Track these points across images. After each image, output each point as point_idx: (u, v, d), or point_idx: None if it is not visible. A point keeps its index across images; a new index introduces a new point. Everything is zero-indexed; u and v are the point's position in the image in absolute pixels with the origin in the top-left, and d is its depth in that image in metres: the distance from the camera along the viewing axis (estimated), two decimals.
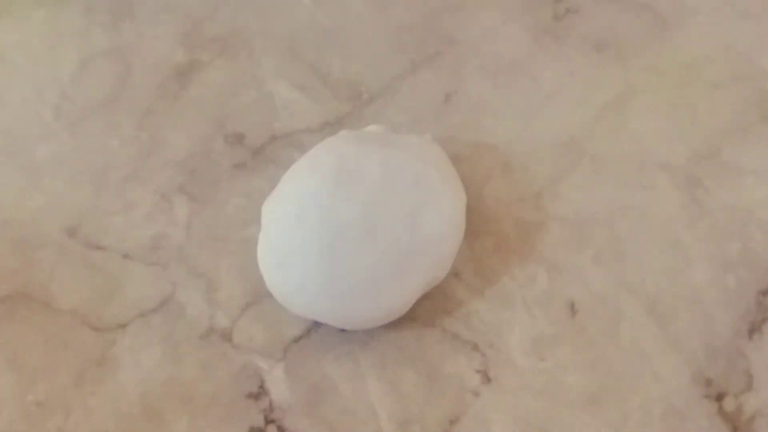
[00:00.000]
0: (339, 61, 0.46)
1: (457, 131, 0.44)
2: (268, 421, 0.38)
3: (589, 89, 0.45)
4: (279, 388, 0.38)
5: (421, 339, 0.39)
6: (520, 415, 0.37)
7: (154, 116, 0.46)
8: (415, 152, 0.40)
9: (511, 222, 0.41)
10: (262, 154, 0.44)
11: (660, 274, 0.40)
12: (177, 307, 0.40)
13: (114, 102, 0.46)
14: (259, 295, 0.40)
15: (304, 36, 0.48)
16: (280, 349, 0.39)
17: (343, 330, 0.39)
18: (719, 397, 0.37)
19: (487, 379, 0.38)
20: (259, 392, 0.38)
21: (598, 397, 0.37)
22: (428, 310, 0.39)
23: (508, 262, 0.40)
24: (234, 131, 0.45)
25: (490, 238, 0.41)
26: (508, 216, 0.42)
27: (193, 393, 0.38)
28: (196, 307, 0.40)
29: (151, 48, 0.48)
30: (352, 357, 0.39)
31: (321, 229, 0.37)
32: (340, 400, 0.38)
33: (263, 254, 0.39)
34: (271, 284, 0.39)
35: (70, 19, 0.50)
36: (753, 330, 0.38)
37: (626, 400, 0.37)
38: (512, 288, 0.40)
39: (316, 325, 0.39)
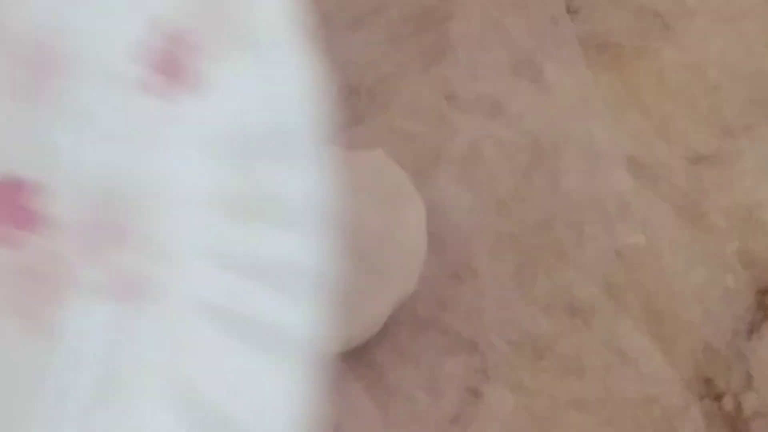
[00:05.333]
0: (338, 62, 0.47)
1: (457, 130, 0.44)
2: None
3: (588, 89, 0.45)
4: None
5: (421, 339, 0.39)
6: (521, 414, 0.37)
7: None
8: (370, 169, 0.40)
9: (512, 219, 0.41)
10: None
11: (659, 274, 0.40)
12: None
13: None
14: None
15: None
16: None
17: None
18: (718, 397, 0.37)
19: (486, 378, 0.38)
20: None
21: (598, 397, 0.37)
22: (428, 310, 0.39)
23: (507, 262, 0.40)
24: None
25: (490, 238, 0.41)
26: (514, 214, 0.42)
27: None
28: None
29: None
30: (352, 355, 0.39)
31: None
32: (340, 401, 0.38)
33: None
34: None
35: None
36: (752, 330, 0.39)
37: (625, 399, 0.37)
38: (511, 288, 0.40)
39: None
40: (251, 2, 0.27)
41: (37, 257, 0.25)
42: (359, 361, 0.39)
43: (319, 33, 0.28)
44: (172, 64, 0.27)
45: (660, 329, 0.38)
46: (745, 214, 0.41)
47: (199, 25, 0.27)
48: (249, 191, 0.26)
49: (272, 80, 0.27)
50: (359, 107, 0.45)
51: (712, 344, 0.38)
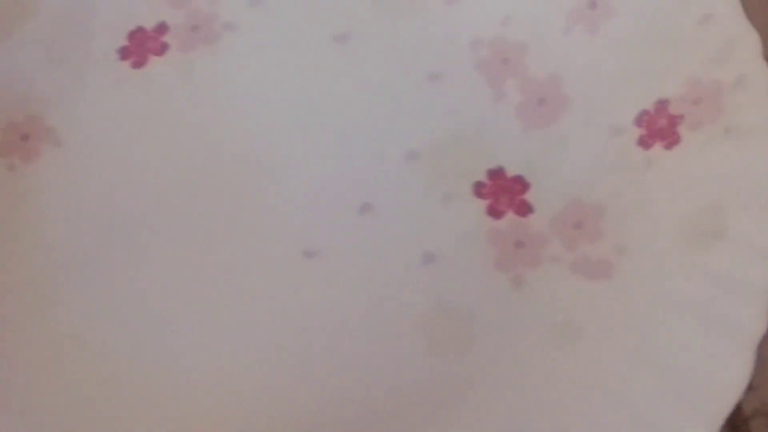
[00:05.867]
0: None
1: None
2: None
3: None
4: None
5: None
6: None
7: None
8: None
9: None
10: None
11: None
12: None
13: None
14: None
15: None
16: None
17: None
18: None
19: None
20: None
21: None
22: None
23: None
24: None
25: None
26: None
27: None
28: None
29: None
30: None
31: None
32: None
33: None
34: None
35: None
36: None
37: None
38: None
39: None
40: (743, 102, 0.33)
41: (523, 233, 0.35)
42: None
43: None
44: (657, 127, 0.35)
45: None
46: None
47: (684, 103, 0.34)
48: (713, 228, 0.31)
49: (746, 161, 0.32)
50: None
51: None
